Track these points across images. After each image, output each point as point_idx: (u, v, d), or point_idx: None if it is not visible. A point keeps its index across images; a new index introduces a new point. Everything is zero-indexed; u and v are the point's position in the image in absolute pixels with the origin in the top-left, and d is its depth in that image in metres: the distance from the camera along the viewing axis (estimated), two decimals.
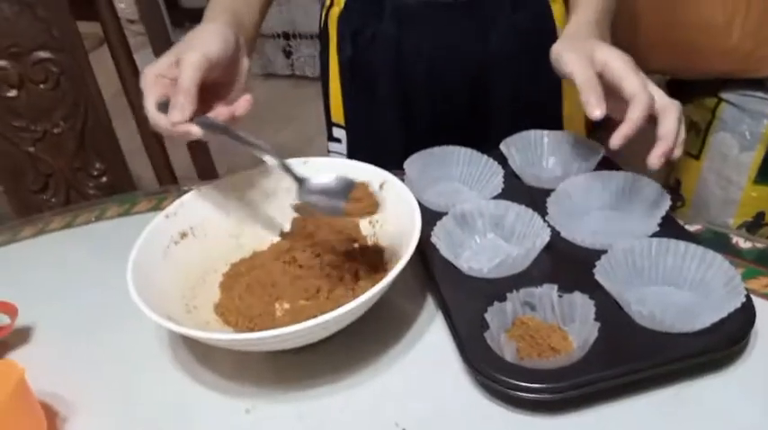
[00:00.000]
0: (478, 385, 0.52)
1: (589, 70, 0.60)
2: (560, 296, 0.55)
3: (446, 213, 0.63)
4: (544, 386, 0.48)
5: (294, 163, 0.64)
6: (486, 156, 0.72)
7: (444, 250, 0.60)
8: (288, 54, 2.76)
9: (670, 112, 0.58)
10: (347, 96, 0.89)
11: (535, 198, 0.65)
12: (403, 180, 0.66)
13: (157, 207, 0.81)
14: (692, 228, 0.66)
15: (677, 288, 0.56)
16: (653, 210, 0.63)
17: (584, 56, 0.61)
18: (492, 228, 0.65)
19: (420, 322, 0.59)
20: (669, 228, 0.61)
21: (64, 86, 1.17)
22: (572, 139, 0.73)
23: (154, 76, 0.61)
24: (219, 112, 0.62)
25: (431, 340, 0.58)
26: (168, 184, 1.34)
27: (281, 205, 0.69)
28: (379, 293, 0.52)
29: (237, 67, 0.67)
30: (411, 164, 0.72)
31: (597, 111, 0.58)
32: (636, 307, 0.51)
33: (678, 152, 0.58)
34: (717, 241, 0.64)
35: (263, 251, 0.67)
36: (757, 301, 0.53)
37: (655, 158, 0.57)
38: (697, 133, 0.95)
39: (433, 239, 0.61)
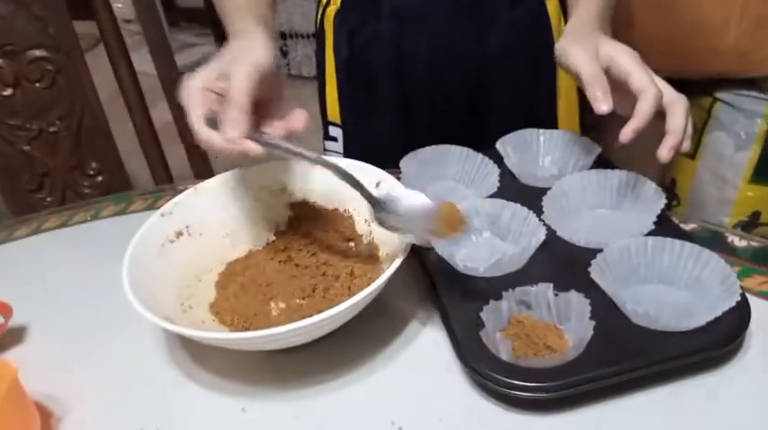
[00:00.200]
0: (474, 384, 0.52)
1: (595, 65, 0.60)
2: (556, 295, 0.55)
3: None
4: (540, 385, 0.48)
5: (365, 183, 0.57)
6: (481, 155, 0.72)
7: (440, 249, 0.60)
8: (284, 53, 2.76)
9: (678, 106, 0.58)
10: (344, 95, 0.89)
11: (531, 197, 0.65)
12: (399, 179, 0.66)
13: (153, 206, 0.81)
14: (687, 226, 0.66)
15: (673, 287, 0.56)
16: (649, 208, 0.62)
17: (589, 51, 0.61)
18: (488, 227, 0.65)
19: (416, 321, 0.59)
20: (665, 226, 0.61)
21: (60, 85, 1.17)
22: (568, 138, 0.73)
23: (199, 89, 0.56)
24: (274, 127, 0.57)
25: (426, 339, 0.57)
26: (164, 184, 1.34)
27: (277, 204, 0.69)
28: (375, 292, 0.52)
29: (278, 78, 0.61)
30: (407, 162, 0.72)
31: (604, 106, 0.58)
32: (631, 305, 0.51)
33: (686, 145, 0.59)
34: (712, 240, 0.64)
35: (258, 250, 0.67)
36: (753, 300, 0.53)
37: (665, 151, 0.58)
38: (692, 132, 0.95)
39: None
